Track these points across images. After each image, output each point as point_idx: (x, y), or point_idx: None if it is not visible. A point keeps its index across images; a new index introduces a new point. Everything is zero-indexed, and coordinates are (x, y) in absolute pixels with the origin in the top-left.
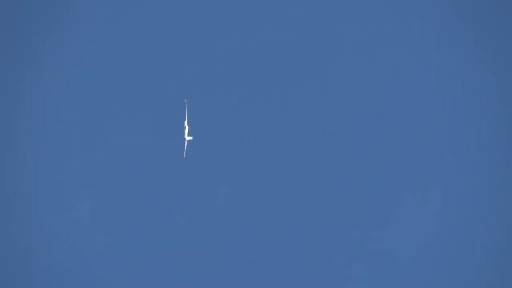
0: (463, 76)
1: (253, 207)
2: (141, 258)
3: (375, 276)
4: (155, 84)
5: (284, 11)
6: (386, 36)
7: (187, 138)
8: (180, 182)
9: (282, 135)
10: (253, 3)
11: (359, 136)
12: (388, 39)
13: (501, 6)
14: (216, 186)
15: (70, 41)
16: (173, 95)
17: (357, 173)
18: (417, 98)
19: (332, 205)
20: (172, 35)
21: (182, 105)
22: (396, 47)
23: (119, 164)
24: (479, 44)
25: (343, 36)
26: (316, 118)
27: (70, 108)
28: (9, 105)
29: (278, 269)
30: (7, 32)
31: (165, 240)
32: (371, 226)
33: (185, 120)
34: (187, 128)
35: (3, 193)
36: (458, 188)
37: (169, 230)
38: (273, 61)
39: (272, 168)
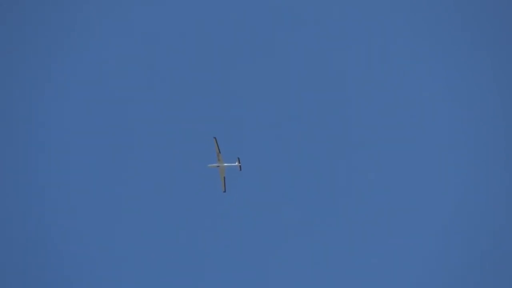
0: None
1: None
2: (140, 257)
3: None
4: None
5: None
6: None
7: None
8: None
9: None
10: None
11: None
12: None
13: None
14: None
15: (72, 48)
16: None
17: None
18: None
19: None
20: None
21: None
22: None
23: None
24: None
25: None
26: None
27: (75, 114)
28: (9, 105)
29: None
30: (7, 33)
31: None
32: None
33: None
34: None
35: (4, 193)
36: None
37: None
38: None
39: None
